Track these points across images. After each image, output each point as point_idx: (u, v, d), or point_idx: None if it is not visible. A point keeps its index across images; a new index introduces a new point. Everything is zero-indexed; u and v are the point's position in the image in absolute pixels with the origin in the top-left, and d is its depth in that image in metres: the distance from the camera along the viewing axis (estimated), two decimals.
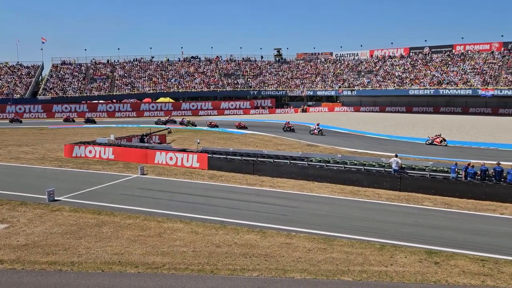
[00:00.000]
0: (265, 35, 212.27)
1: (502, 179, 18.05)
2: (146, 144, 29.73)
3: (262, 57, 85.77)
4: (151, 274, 10.12)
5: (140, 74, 75.82)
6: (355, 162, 21.90)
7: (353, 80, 75.93)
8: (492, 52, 69.31)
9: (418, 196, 18.01)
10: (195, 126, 48.23)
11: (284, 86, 78.31)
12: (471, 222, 14.58)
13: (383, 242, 12.34)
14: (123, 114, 66.94)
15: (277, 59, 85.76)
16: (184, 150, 25.72)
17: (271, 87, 77.63)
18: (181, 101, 73.59)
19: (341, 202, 17.22)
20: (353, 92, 73.54)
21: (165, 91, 72.90)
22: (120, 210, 15.38)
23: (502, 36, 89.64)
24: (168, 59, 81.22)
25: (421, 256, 11.26)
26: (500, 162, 19.37)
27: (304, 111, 74.63)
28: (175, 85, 73.96)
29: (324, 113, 72.14)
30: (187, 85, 74.66)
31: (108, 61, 78.63)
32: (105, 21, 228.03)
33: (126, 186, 19.68)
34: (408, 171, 20.10)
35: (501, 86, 61.31)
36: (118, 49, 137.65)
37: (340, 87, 75.39)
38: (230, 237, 12.63)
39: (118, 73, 75.14)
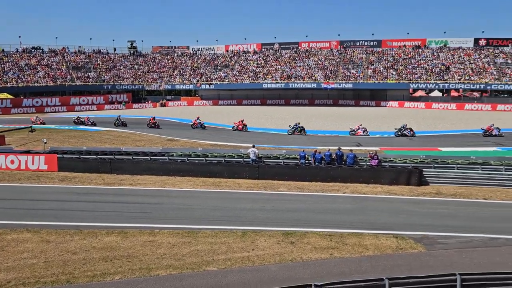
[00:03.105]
0: (117, 26, 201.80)
1: (343, 162, 20.54)
2: None
3: (115, 49, 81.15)
4: None
5: None
6: (216, 154, 22.47)
7: (210, 74, 77.19)
8: (331, 49, 77.60)
9: (274, 183, 19.29)
10: (44, 123, 43.38)
11: (140, 80, 75.58)
12: (320, 202, 16.23)
13: (245, 229, 12.94)
14: None
15: (131, 51, 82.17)
16: (28, 152, 23.07)
17: (126, 81, 74.13)
18: (22, 97, 65.34)
19: (204, 194, 17.48)
20: (211, 86, 74.77)
21: (1, 85, 63.88)
22: None
23: (339, 35, 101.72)
24: (3, 50, 71.24)
25: (278, 238, 12.13)
26: (341, 147, 21.99)
27: (163, 105, 73.21)
28: (14, 79, 65.42)
29: (184, 107, 71.87)
30: (29, 79, 66.61)
31: None
32: None
33: None
34: (264, 160, 21.39)
35: (340, 80, 69.23)
36: None
37: (198, 81, 75.94)
38: (87, 242, 11.79)
39: None
